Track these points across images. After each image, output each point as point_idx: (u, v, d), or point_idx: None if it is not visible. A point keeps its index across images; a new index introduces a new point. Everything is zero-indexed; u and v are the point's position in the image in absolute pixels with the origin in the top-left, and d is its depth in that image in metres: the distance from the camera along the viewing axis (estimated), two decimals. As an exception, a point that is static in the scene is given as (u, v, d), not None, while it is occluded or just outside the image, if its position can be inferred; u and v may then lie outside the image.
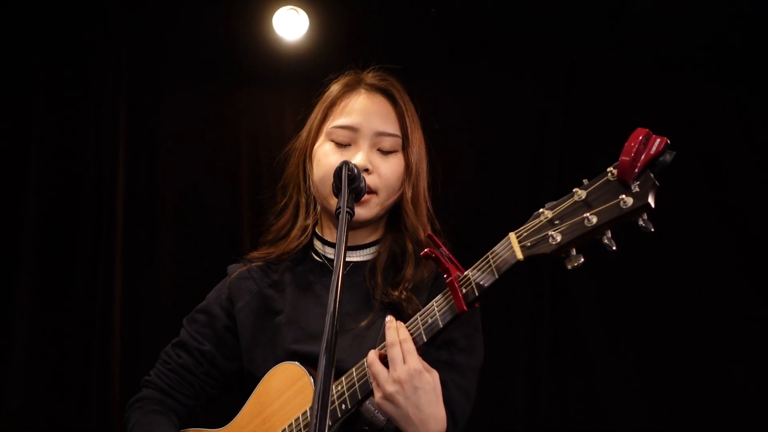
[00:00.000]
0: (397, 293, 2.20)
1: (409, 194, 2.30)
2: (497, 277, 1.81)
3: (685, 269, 4.17)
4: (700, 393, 4.07)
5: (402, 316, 2.14)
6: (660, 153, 1.63)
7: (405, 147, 2.30)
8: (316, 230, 2.40)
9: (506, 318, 4.21)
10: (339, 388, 2.04)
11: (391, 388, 1.89)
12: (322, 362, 1.70)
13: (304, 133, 2.41)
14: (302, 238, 2.36)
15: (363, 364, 2.00)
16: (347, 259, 2.31)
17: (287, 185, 2.42)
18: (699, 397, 4.06)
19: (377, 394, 1.92)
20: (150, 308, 4.26)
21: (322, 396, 1.65)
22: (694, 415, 4.06)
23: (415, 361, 1.89)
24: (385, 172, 2.26)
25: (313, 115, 2.39)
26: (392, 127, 2.29)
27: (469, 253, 2.31)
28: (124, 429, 2.42)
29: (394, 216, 2.35)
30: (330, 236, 2.37)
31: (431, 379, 1.92)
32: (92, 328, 4.18)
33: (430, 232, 1.99)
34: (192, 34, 4.37)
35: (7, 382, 4.09)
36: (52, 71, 4.29)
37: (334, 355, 1.72)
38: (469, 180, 4.26)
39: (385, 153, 2.28)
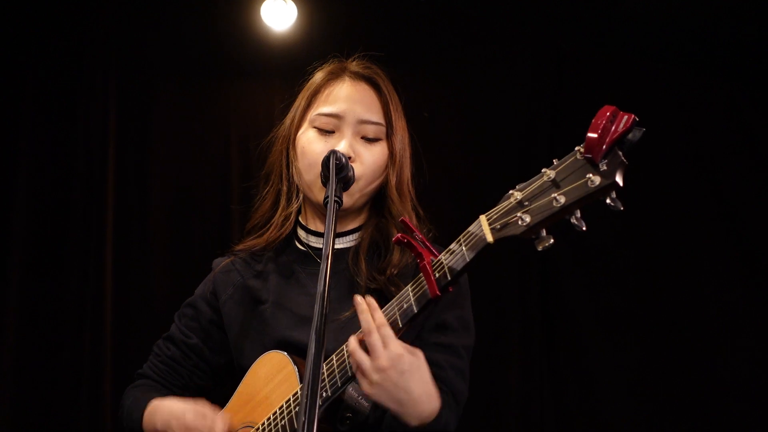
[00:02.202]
0: (383, 278, 2.20)
1: (393, 181, 2.30)
2: (468, 260, 1.79)
3: (681, 261, 4.16)
4: (696, 386, 4.07)
5: (387, 301, 2.14)
6: (627, 130, 1.60)
7: (389, 135, 2.29)
8: (300, 219, 2.39)
9: (498, 311, 4.20)
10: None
11: (376, 376, 1.87)
12: (312, 349, 1.70)
13: (287, 121, 2.40)
14: (285, 227, 2.36)
15: (342, 350, 1.99)
16: None
17: (270, 173, 2.42)
18: (694, 390, 4.07)
19: (364, 385, 1.90)
20: (141, 305, 4.27)
21: (312, 383, 1.65)
22: (691, 410, 4.05)
23: (396, 346, 1.87)
24: (367, 160, 2.26)
25: (296, 103, 2.39)
26: (376, 116, 2.29)
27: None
28: (120, 414, 2.45)
29: (377, 202, 2.35)
30: (314, 225, 2.36)
31: (415, 360, 1.90)
32: (83, 326, 4.18)
33: (404, 217, 1.98)
34: (179, 27, 4.37)
35: (-2, 380, 4.11)
36: (40, 68, 4.30)
37: (323, 342, 1.72)
38: (457, 167, 4.26)
39: (369, 141, 2.28)
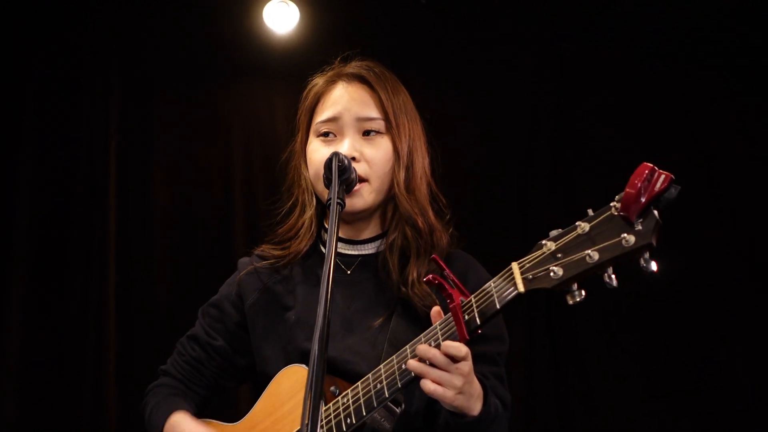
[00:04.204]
0: (405, 289, 2.20)
1: (401, 177, 2.27)
2: (498, 307, 1.80)
3: (681, 262, 4.16)
4: (699, 392, 4.10)
5: (413, 310, 2.18)
6: (664, 189, 1.62)
7: (389, 129, 2.28)
8: (325, 223, 2.39)
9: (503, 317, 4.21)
10: (344, 400, 2.04)
11: (460, 382, 1.89)
12: (313, 357, 1.72)
13: (297, 136, 2.41)
14: (309, 234, 2.36)
15: (368, 378, 2.01)
16: (355, 253, 2.33)
17: (291, 186, 2.43)
18: (699, 400, 4.09)
19: (448, 395, 1.88)
20: (144, 309, 4.26)
21: (314, 394, 1.68)
22: (694, 415, 4.09)
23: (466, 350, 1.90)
24: (372, 158, 2.25)
25: (301, 117, 2.40)
26: (373, 111, 2.28)
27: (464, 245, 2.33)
28: (142, 412, 2.44)
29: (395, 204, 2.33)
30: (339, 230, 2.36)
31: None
32: (86, 331, 4.17)
33: (434, 255, 1.98)
34: (181, 29, 4.34)
35: (1, 385, 4.09)
36: (41, 72, 4.27)
37: (326, 350, 1.74)
38: (460, 168, 4.25)
39: (371, 138, 2.27)
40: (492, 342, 2.20)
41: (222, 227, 4.37)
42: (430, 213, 2.30)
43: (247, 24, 4.32)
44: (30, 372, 4.12)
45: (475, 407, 1.94)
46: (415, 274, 2.22)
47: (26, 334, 4.13)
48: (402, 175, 2.27)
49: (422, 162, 2.34)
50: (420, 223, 2.26)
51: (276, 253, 2.40)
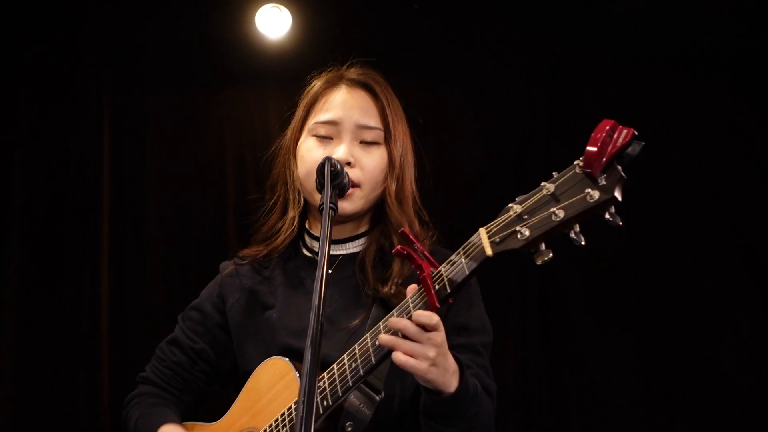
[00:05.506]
0: (386, 289, 2.20)
1: (392, 187, 2.30)
2: (468, 273, 1.80)
3: (679, 259, 4.16)
4: (693, 384, 4.08)
5: (390, 309, 2.13)
6: (627, 144, 1.61)
7: (387, 140, 2.30)
8: (306, 225, 2.40)
9: (497, 309, 4.20)
10: (320, 383, 2.03)
11: (433, 353, 1.87)
12: (308, 357, 1.70)
13: (288, 132, 2.41)
14: (290, 231, 2.36)
15: (343, 359, 2.00)
16: (336, 252, 2.33)
17: (275, 183, 2.43)
18: (696, 400, 4.08)
19: (421, 367, 1.87)
20: (137, 310, 4.28)
21: (308, 392, 1.65)
22: (688, 408, 4.08)
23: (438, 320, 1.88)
24: (367, 165, 2.26)
25: (296, 113, 2.40)
26: (373, 120, 2.30)
27: (458, 245, 2.33)
28: (125, 426, 2.43)
29: (382, 208, 2.34)
30: (318, 231, 2.36)
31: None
32: (80, 331, 4.19)
33: (404, 228, 1.97)
34: (174, 34, 4.37)
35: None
36: (36, 71, 4.31)
37: (320, 350, 1.72)
38: (452, 172, 4.25)
39: (368, 146, 2.29)
40: (476, 333, 2.20)
41: (215, 230, 4.39)
42: (416, 222, 2.32)
43: (240, 29, 4.34)
44: (24, 373, 4.13)
45: (451, 383, 1.93)
46: (398, 279, 2.22)
47: (21, 336, 4.15)
48: (394, 185, 2.30)
49: (411, 172, 2.36)
50: (407, 231, 2.26)
51: (257, 249, 2.41)
